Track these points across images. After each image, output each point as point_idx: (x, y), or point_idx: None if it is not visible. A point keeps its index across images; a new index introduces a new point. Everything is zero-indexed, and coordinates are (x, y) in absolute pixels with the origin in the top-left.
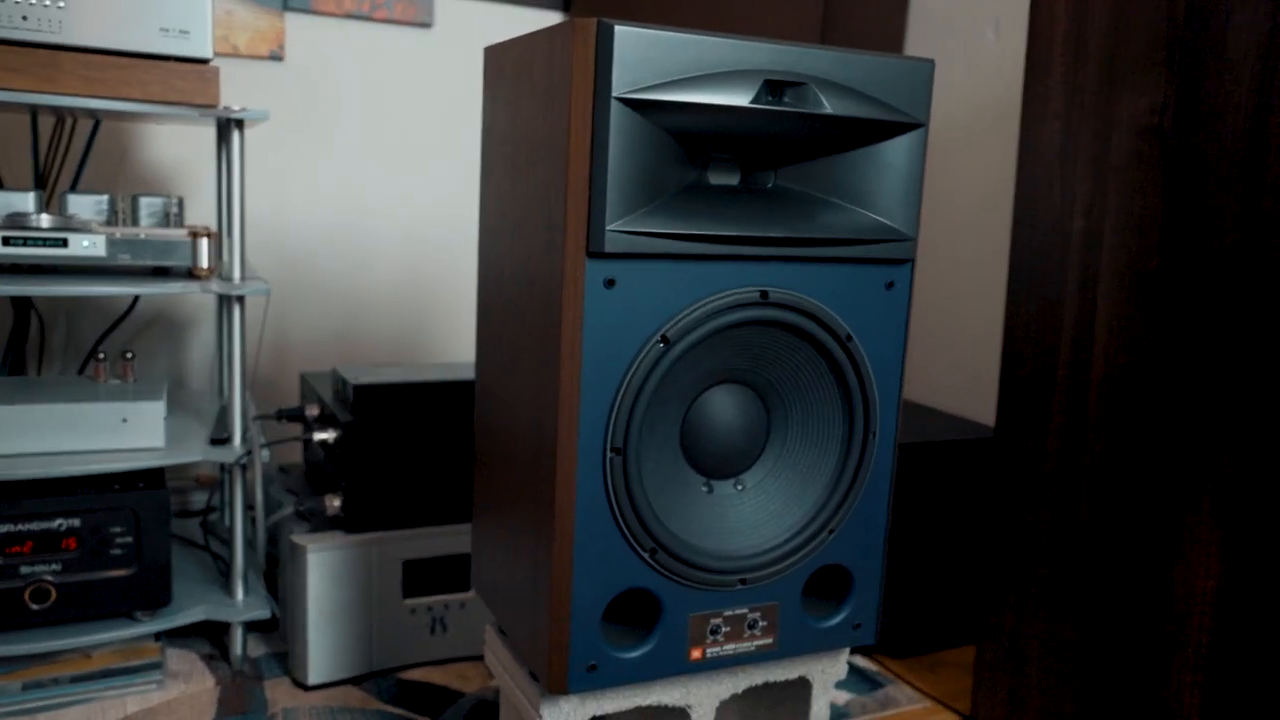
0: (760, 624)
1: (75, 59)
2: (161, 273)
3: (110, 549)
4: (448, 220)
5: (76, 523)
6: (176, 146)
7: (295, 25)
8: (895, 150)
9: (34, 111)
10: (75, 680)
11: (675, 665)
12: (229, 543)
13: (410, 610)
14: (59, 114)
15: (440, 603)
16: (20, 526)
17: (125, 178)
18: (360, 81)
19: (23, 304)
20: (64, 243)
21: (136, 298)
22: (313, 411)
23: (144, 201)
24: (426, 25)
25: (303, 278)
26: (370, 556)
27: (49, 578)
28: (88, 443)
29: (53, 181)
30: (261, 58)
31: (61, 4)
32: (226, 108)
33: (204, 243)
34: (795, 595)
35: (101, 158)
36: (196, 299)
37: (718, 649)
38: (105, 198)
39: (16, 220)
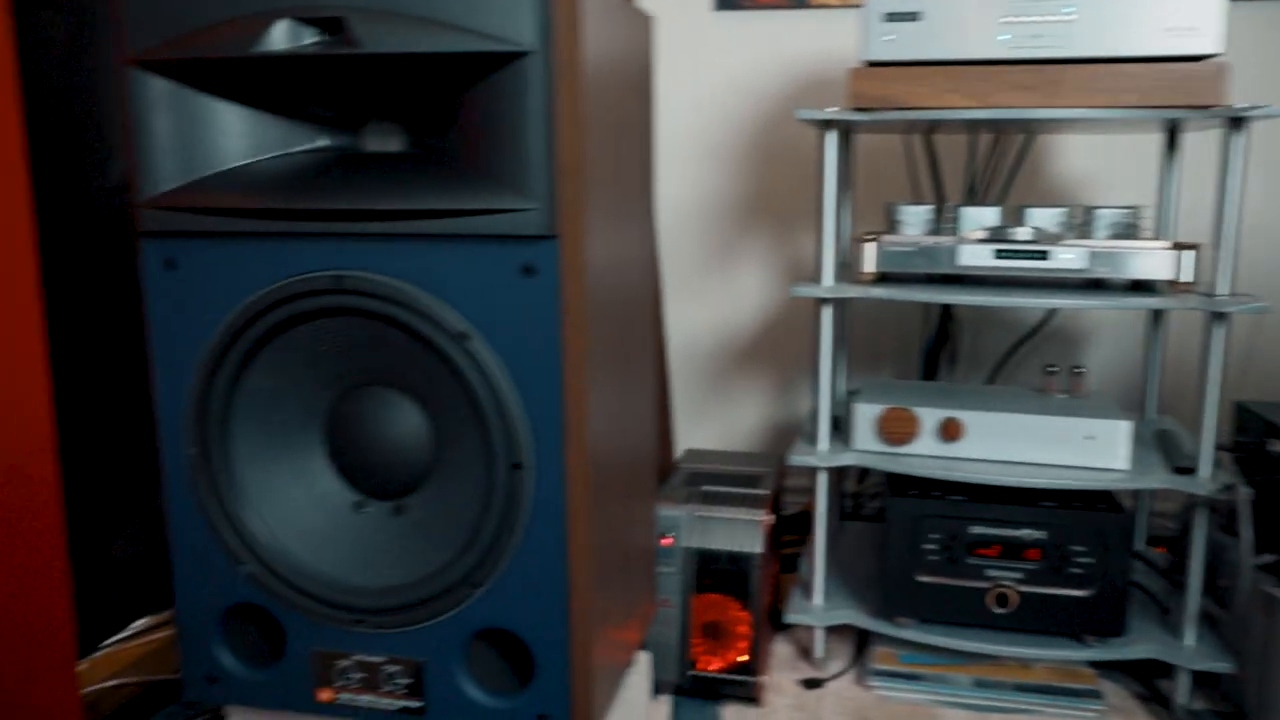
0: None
1: (1077, 71)
2: (1095, 286)
3: (1069, 567)
4: None
5: (1042, 535)
6: (1082, 158)
7: None
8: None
9: (973, 128)
10: (1017, 689)
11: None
12: (1182, 581)
13: None
14: (1000, 129)
15: None
16: (991, 530)
17: (1036, 190)
18: None
19: (947, 314)
20: (1044, 255)
21: (1053, 311)
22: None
23: (1102, 214)
24: None
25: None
26: None
27: (1010, 584)
28: (1054, 456)
29: (981, 195)
30: None
31: (1072, 18)
32: (1231, 106)
33: (1187, 256)
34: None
35: (1006, 172)
36: (1096, 313)
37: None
38: (1064, 211)
39: (999, 234)
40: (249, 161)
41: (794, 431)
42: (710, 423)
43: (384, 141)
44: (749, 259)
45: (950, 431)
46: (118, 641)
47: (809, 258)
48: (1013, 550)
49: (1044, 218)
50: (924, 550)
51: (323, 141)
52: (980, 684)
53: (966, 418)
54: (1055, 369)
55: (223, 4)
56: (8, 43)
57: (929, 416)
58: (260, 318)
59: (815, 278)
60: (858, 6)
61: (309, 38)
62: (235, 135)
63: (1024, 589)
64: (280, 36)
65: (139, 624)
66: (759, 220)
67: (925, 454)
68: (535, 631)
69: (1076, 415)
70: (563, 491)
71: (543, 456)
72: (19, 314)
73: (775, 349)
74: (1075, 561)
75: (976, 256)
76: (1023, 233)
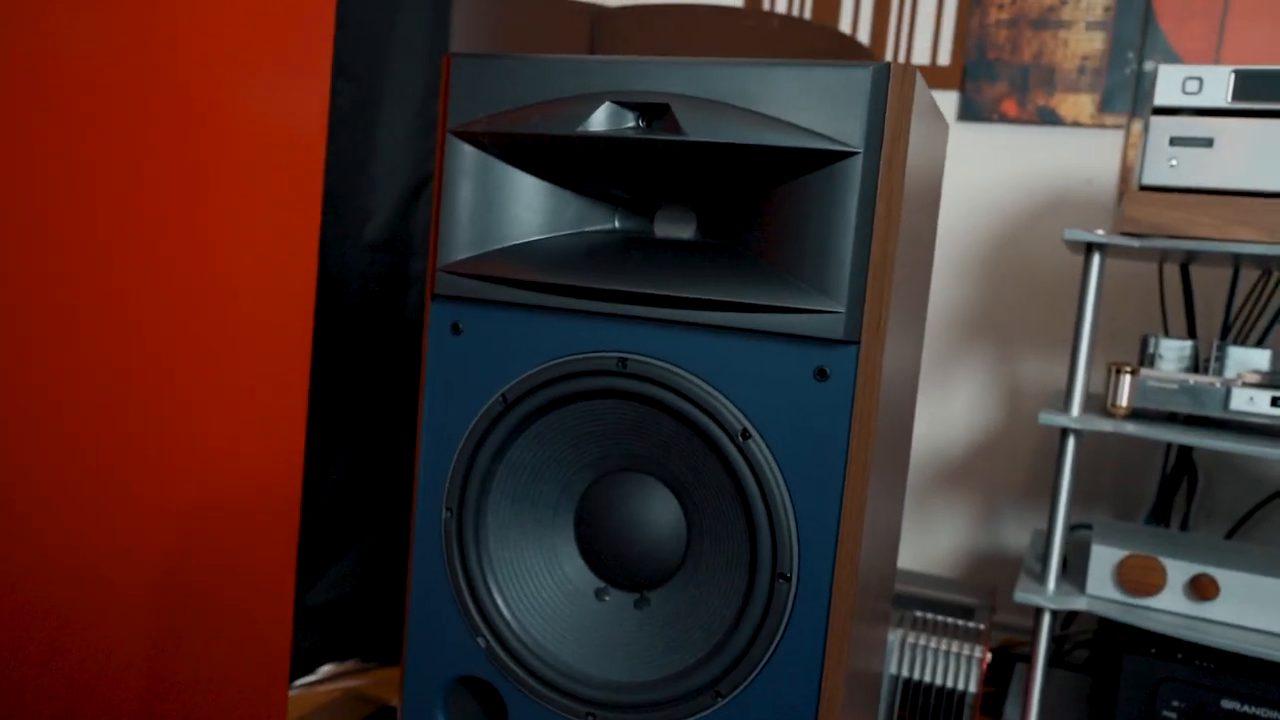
0: None
1: None
2: None
3: None
4: None
5: None
6: None
7: None
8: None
9: (1237, 263)
10: None
11: None
12: None
13: None
14: (1267, 266)
15: None
16: (1247, 709)
17: None
18: None
19: (1185, 456)
20: None
21: None
22: None
23: None
24: None
25: None
26: None
27: None
28: None
29: (1238, 334)
30: None
31: None
32: None
33: None
34: None
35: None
36: None
37: None
38: None
39: (1276, 379)
40: (544, 237)
41: (993, 562)
42: (904, 541)
43: (675, 228)
44: (964, 377)
45: (1204, 590)
46: (306, 685)
47: (1028, 382)
48: None
49: None
50: (1163, 717)
51: (615, 224)
52: None
53: (1222, 576)
54: None
55: (543, 85)
56: (323, 114)
57: (1177, 570)
58: (539, 390)
59: (1061, 406)
60: (1114, 128)
61: (629, 122)
62: (535, 210)
63: None
64: (602, 119)
65: (324, 670)
66: (978, 338)
67: (1170, 610)
68: None
69: None
70: (826, 609)
71: (809, 569)
72: (292, 353)
73: (982, 473)
74: None
75: (1253, 402)
76: None
